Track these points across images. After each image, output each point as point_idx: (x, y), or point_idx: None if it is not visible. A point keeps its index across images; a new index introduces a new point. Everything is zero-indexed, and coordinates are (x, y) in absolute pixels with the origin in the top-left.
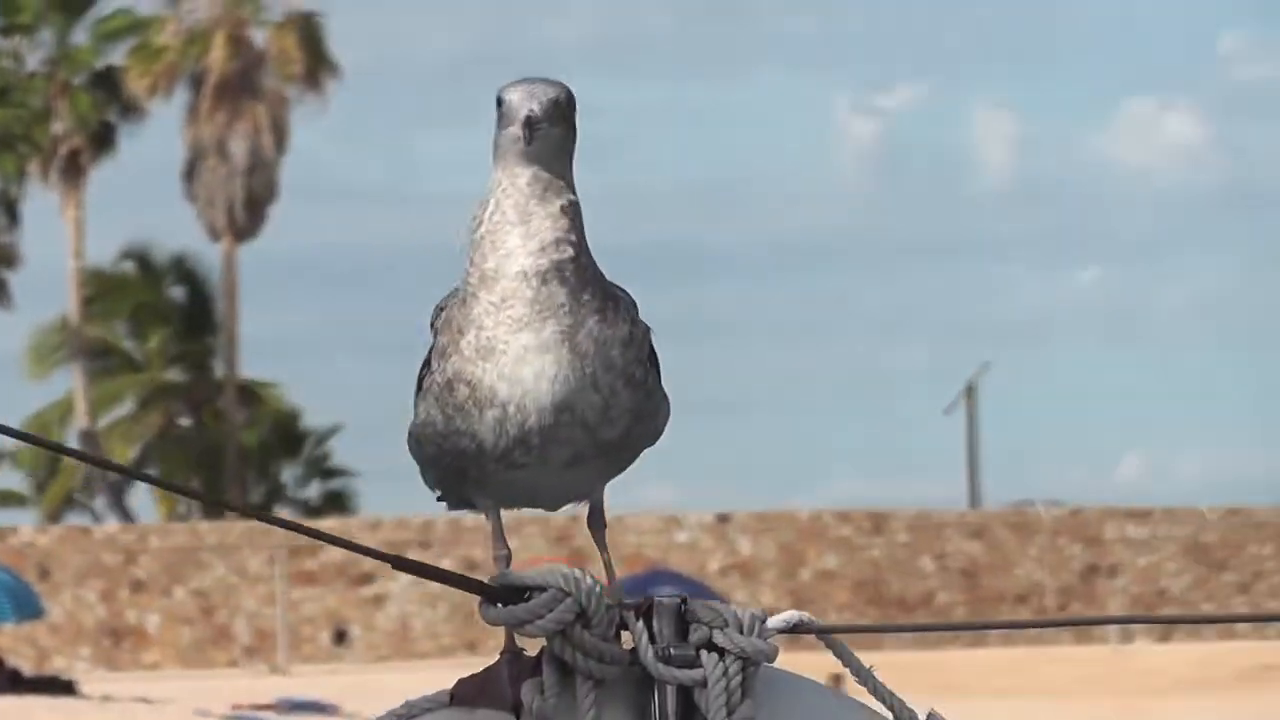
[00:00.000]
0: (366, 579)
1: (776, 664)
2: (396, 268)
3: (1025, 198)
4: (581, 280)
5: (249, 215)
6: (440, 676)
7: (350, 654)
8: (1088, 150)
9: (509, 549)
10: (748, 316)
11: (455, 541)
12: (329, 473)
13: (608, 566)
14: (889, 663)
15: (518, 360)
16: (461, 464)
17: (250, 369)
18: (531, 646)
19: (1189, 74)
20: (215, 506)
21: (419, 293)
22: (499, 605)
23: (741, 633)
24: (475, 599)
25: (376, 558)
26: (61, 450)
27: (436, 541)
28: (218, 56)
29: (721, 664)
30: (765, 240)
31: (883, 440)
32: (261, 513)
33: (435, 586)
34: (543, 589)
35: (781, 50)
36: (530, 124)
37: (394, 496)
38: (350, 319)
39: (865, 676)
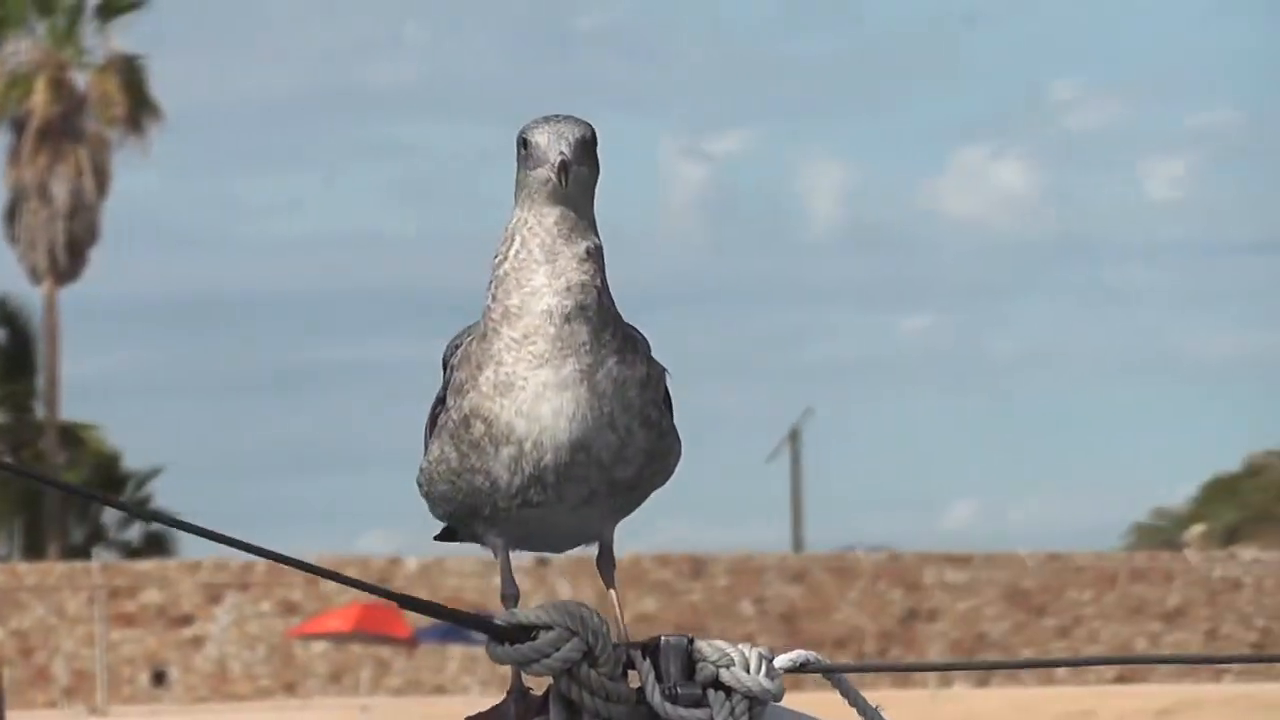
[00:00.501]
0: (185, 620)
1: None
2: (218, 310)
3: (855, 245)
4: (603, 320)
5: (70, 258)
6: (258, 718)
7: (169, 695)
8: (918, 198)
9: (518, 589)
10: None
11: (275, 584)
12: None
13: (617, 607)
14: None
15: (537, 397)
16: (475, 502)
17: (71, 411)
18: (538, 685)
19: (1020, 122)
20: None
21: (239, 335)
22: (506, 644)
23: (748, 672)
24: (292, 641)
25: (384, 596)
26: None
27: (255, 583)
28: (39, 100)
29: (728, 703)
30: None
31: (708, 486)
32: (280, 556)
33: (254, 628)
34: (549, 628)
35: (610, 94)
36: (565, 168)
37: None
38: (171, 362)
39: (871, 716)
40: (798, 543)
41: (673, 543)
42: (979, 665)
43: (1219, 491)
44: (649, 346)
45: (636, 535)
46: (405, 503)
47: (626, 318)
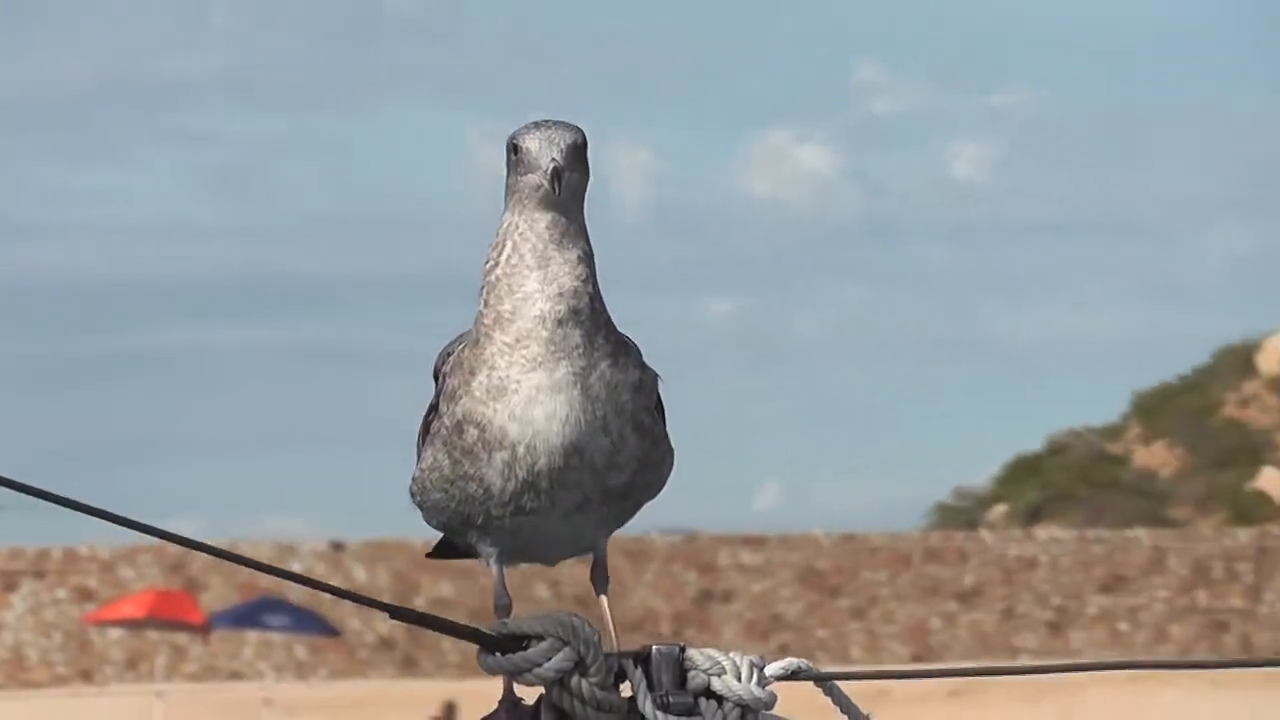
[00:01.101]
0: None
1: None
2: (28, 300)
3: (661, 228)
4: (596, 325)
5: None
6: (54, 705)
7: None
8: (723, 182)
9: (510, 598)
10: (374, 348)
11: (70, 571)
12: None
13: (610, 620)
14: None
15: (529, 401)
16: (468, 510)
17: None
18: (529, 695)
19: (824, 105)
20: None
21: (46, 325)
22: (497, 654)
23: (739, 680)
24: (88, 628)
25: (376, 607)
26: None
27: (51, 570)
28: None
29: (720, 711)
30: (396, 272)
31: None
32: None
33: (50, 615)
34: (541, 637)
35: (416, 80)
36: (558, 175)
37: (7, 528)
38: None
39: None
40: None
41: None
42: (980, 672)
43: (1021, 471)
44: (640, 353)
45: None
46: (210, 488)
47: (440, 310)
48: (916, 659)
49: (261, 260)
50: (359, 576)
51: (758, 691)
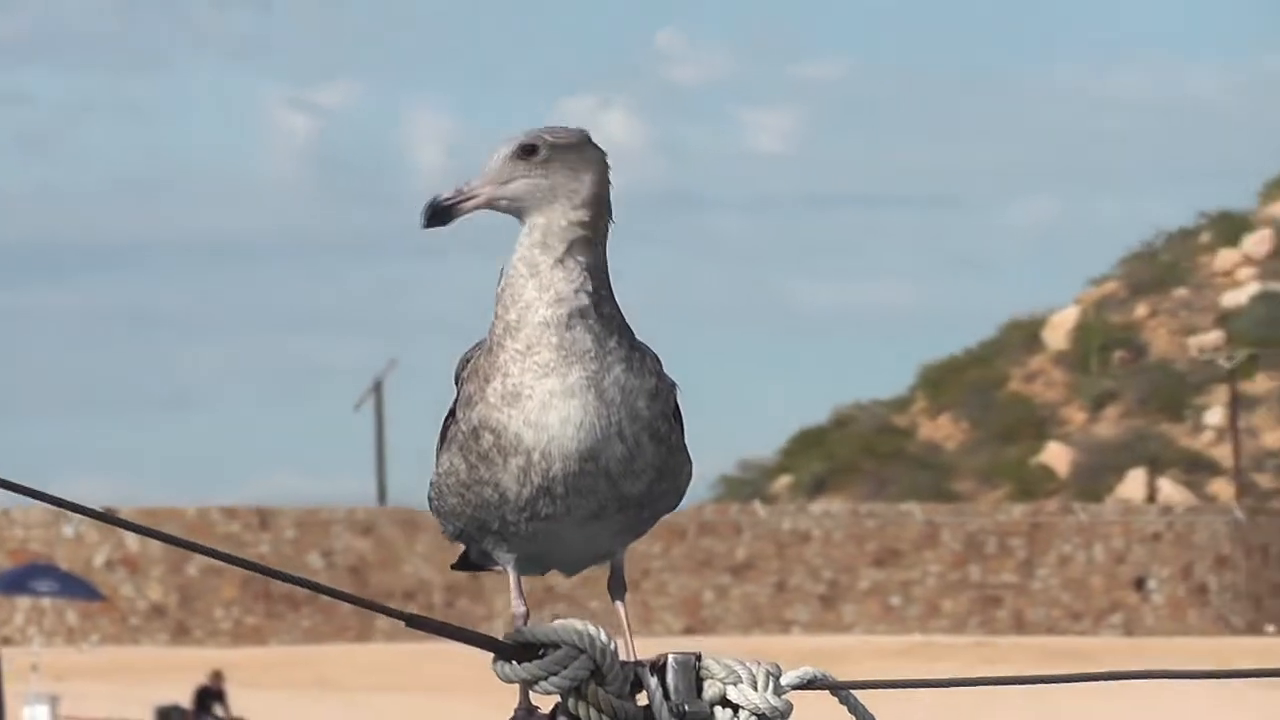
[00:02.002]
0: None
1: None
2: None
3: None
4: (606, 329)
5: None
6: None
7: None
8: None
9: (527, 606)
10: (182, 313)
11: None
12: None
13: (627, 628)
14: (275, 658)
15: (544, 406)
16: (484, 516)
17: None
18: (545, 704)
19: (626, 74)
20: None
21: None
22: (513, 662)
23: (755, 689)
24: None
25: (393, 615)
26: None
27: None
28: None
29: None
30: (198, 236)
31: (309, 436)
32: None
33: None
34: (557, 646)
35: (217, 44)
36: (431, 206)
37: None
38: None
39: None
40: (381, 494)
41: (273, 495)
42: (990, 681)
43: (805, 443)
44: (659, 362)
45: (212, 488)
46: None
47: (246, 274)
48: (689, 631)
49: (65, 223)
50: (131, 544)
51: (774, 700)
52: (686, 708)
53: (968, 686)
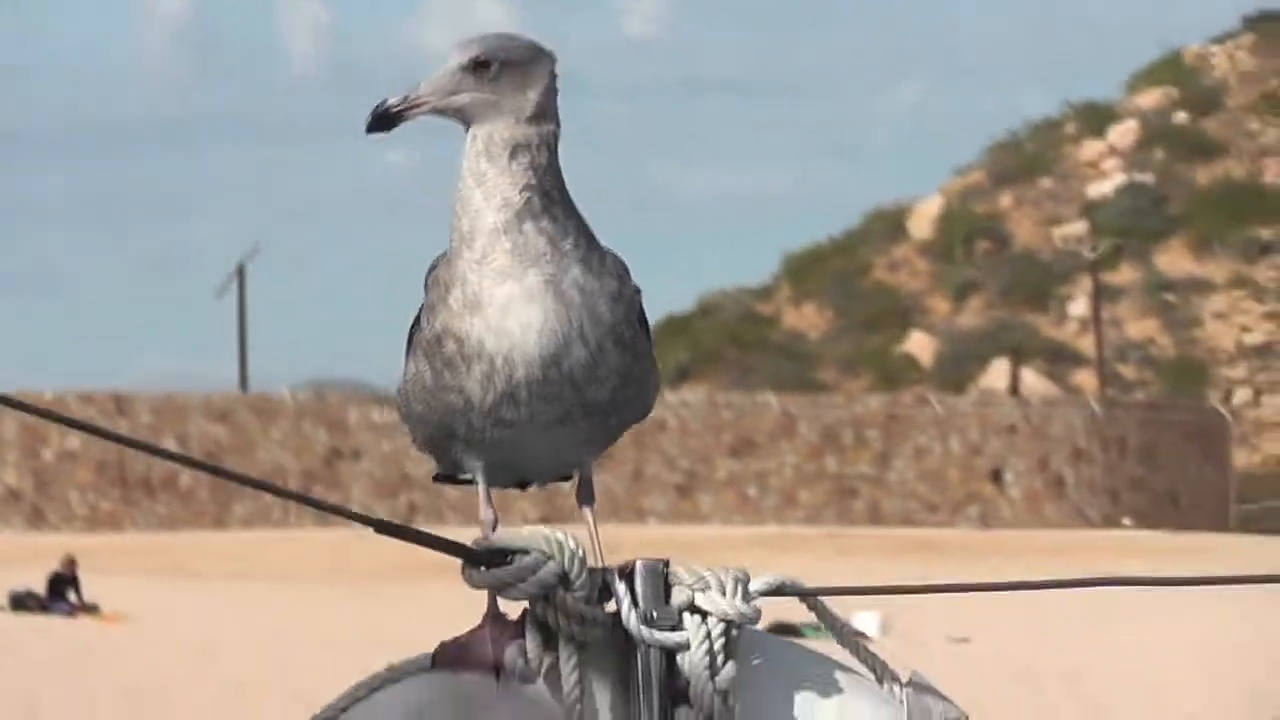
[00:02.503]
0: None
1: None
2: None
3: (334, 83)
4: (559, 231)
5: None
6: None
7: None
8: (398, 36)
9: (496, 514)
10: (48, 197)
11: None
12: None
13: (595, 534)
14: (131, 545)
15: (503, 311)
16: (450, 421)
17: None
18: (514, 610)
19: None
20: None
21: None
22: (482, 569)
23: (724, 595)
24: None
25: (360, 521)
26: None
27: None
28: None
29: (704, 627)
30: (66, 121)
31: (172, 321)
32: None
33: None
34: (526, 552)
35: None
36: (375, 112)
37: None
38: None
39: (847, 638)
40: (243, 381)
41: (154, 378)
42: (979, 588)
43: (670, 331)
44: (623, 265)
45: (75, 372)
46: None
47: (120, 160)
48: (545, 520)
49: None
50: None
51: (742, 607)
52: (655, 614)
53: (936, 594)
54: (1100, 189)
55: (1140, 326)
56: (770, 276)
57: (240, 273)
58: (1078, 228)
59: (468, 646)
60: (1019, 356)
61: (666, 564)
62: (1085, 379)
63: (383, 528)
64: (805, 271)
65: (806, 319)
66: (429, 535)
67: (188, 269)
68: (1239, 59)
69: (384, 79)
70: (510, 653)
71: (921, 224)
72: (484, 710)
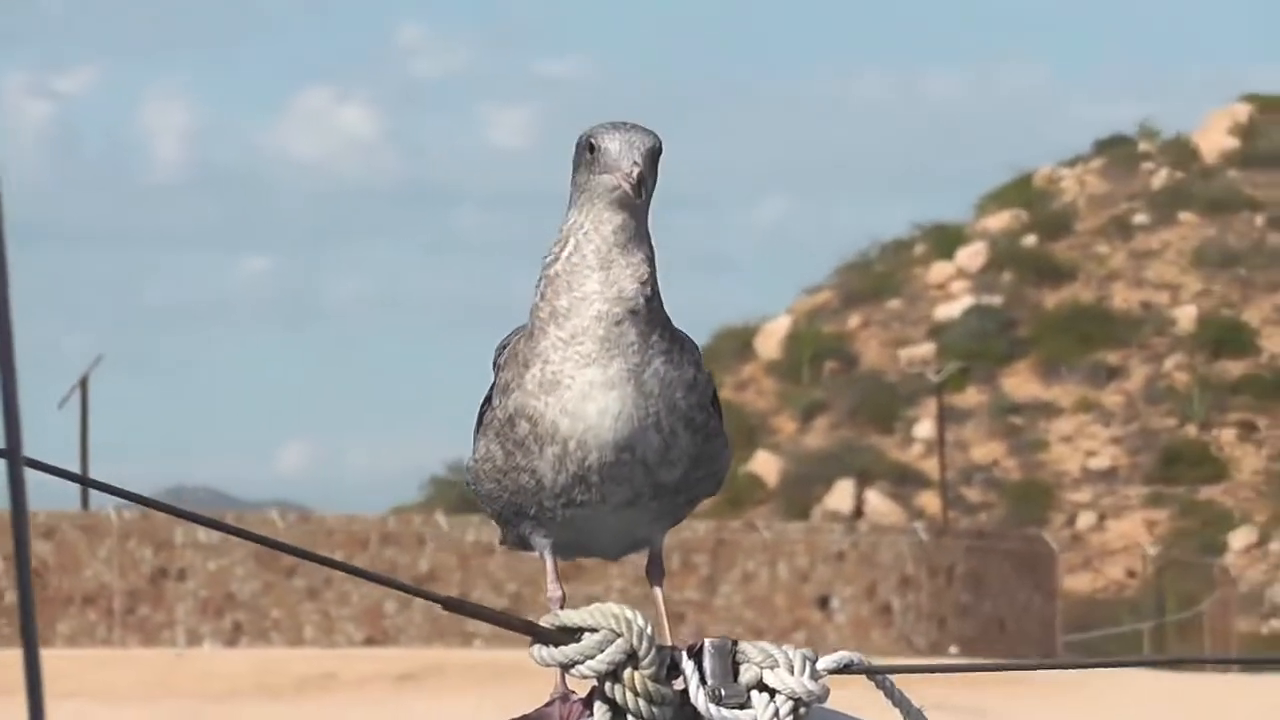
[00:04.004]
0: None
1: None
2: None
3: (196, 186)
4: (652, 324)
5: None
6: None
7: None
8: (261, 141)
9: (563, 590)
10: None
11: None
12: None
13: (664, 612)
14: None
15: (582, 396)
16: (520, 500)
17: None
18: (581, 688)
19: (367, 66)
20: None
21: None
22: (550, 646)
23: (792, 673)
24: None
25: (430, 599)
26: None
27: None
28: None
29: (772, 704)
30: None
31: (26, 429)
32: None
33: None
34: (594, 630)
35: None
36: (641, 182)
37: None
38: None
39: (914, 716)
40: (85, 497)
41: None
42: (1019, 666)
43: None
44: (698, 352)
45: None
46: None
47: None
48: (370, 642)
49: None
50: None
51: (810, 685)
52: (723, 692)
53: (996, 671)
54: (948, 311)
55: (986, 449)
56: None
57: (83, 385)
58: (924, 349)
59: None
60: (864, 478)
61: (735, 642)
62: (930, 501)
63: (452, 605)
64: None
65: None
66: (497, 613)
67: (39, 376)
68: (1089, 182)
69: (247, 183)
70: None
71: (769, 343)
72: None
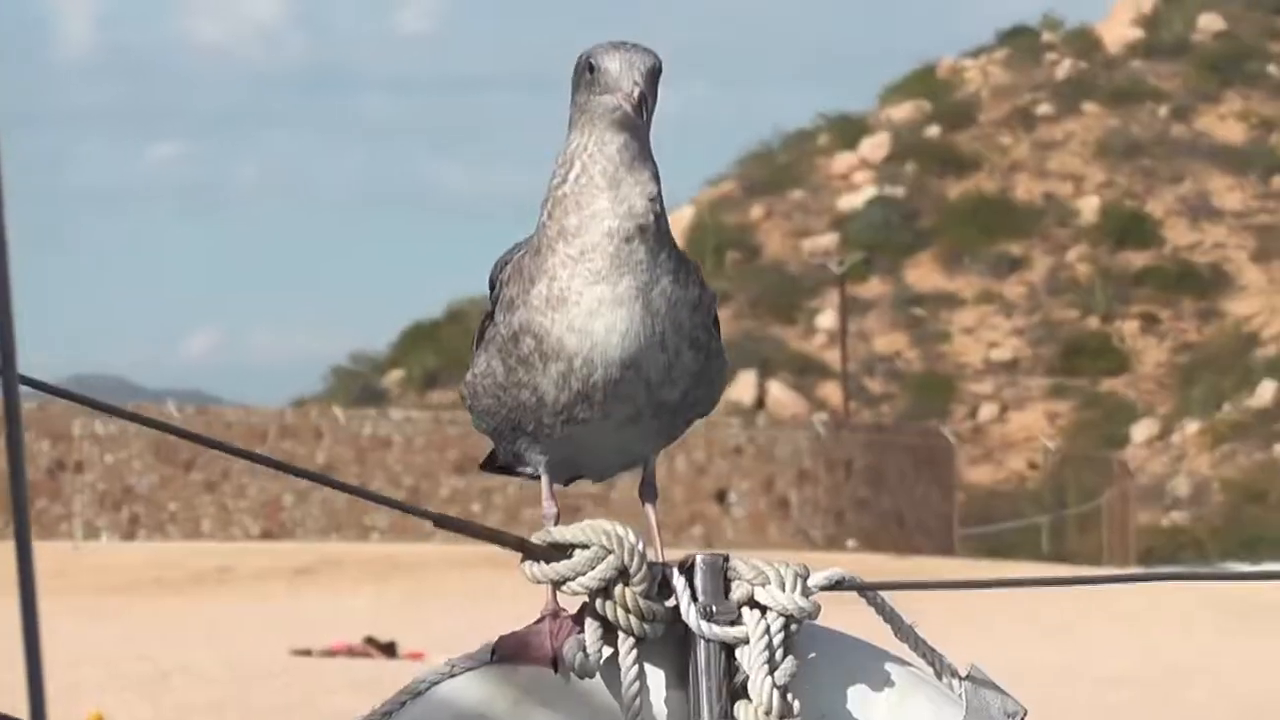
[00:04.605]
0: None
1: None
2: None
3: (105, 69)
4: (660, 243)
5: None
6: None
7: None
8: (169, 25)
9: (557, 507)
10: None
11: None
12: None
13: (655, 530)
14: None
15: (590, 313)
16: (519, 417)
17: None
18: (571, 605)
19: None
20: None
21: None
22: (541, 562)
23: (783, 590)
24: None
25: (420, 515)
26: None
27: None
28: None
29: (764, 621)
30: None
31: None
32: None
33: None
34: (585, 546)
35: None
36: (643, 100)
37: None
38: None
39: (906, 633)
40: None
41: None
42: (1025, 583)
43: (419, 337)
44: (701, 272)
45: None
46: None
47: None
48: (267, 535)
49: None
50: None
51: (802, 601)
52: (714, 608)
53: (1004, 588)
54: (851, 201)
55: (888, 340)
56: None
57: None
58: (827, 240)
59: (527, 640)
60: (766, 368)
61: (726, 559)
62: (832, 392)
63: (442, 521)
64: None
65: None
66: (488, 530)
67: None
68: (992, 73)
69: (153, 67)
70: (569, 646)
71: (673, 233)
72: (543, 704)
